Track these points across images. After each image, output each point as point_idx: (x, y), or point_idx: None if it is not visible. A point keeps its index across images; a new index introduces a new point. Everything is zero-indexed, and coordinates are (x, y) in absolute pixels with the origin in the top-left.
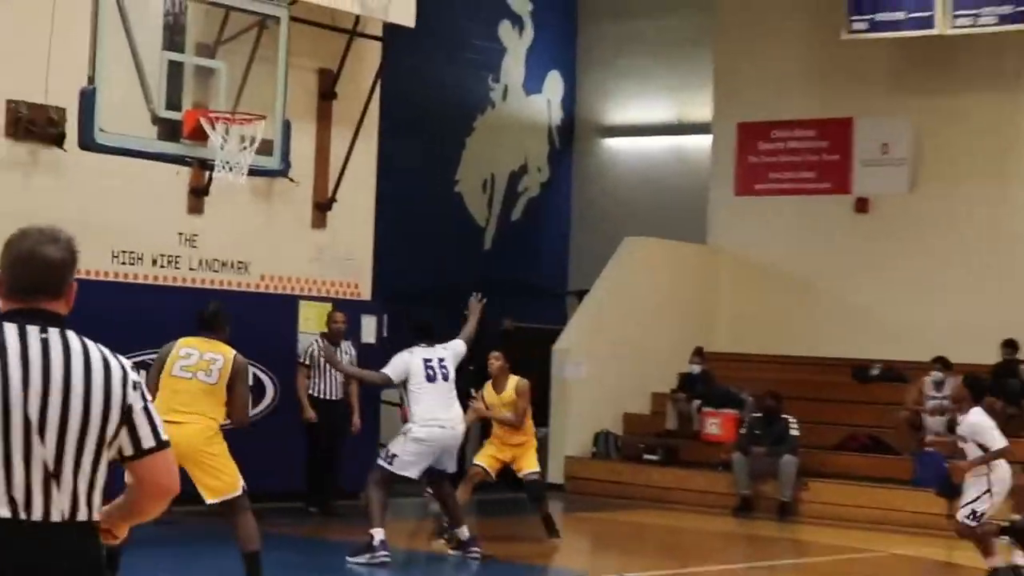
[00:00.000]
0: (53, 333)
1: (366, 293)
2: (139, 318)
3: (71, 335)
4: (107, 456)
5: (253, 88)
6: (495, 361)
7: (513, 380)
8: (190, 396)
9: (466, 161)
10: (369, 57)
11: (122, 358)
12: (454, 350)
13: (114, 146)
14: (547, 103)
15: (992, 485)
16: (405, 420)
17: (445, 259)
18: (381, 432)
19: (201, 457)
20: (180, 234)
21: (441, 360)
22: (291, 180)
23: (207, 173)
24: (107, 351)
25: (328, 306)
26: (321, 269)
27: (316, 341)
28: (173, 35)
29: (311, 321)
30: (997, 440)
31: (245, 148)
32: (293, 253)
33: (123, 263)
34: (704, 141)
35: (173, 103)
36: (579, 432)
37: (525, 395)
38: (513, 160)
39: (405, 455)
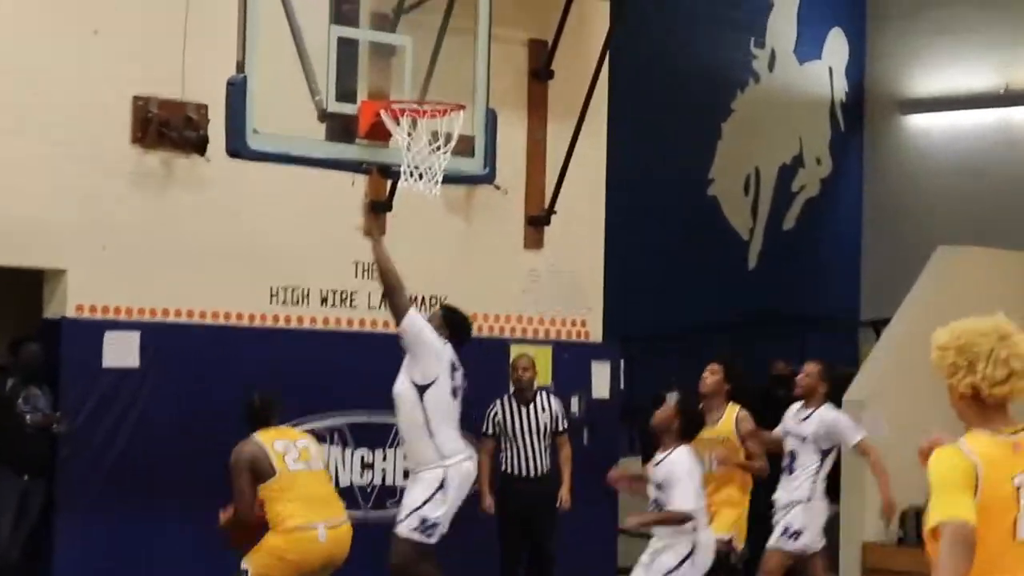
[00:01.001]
0: None
1: (596, 333)
2: (306, 372)
3: None
4: None
5: (446, 70)
6: (710, 376)
7: (733, 409)
8: (327, 490)
9: (722, 154)
10: (594, 22)
11: None
12: None
13: (271, 151)
14: (828, 72)
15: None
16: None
17: (697, 284)
18: (620, 507)
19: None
20: (356, 263)
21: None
22: (498, 188)
23: (390, 182)
24: None
25: (547, 350)
26: (538, 302)
27: (499, 401)
28: (343, 5)
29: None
30: None
31: (439, 148)
32: (502, 282)
33: (284, 302)
34: None
35: (345, 93)
36: (879, 504)
37: (753, 428)
38: (784, 150)
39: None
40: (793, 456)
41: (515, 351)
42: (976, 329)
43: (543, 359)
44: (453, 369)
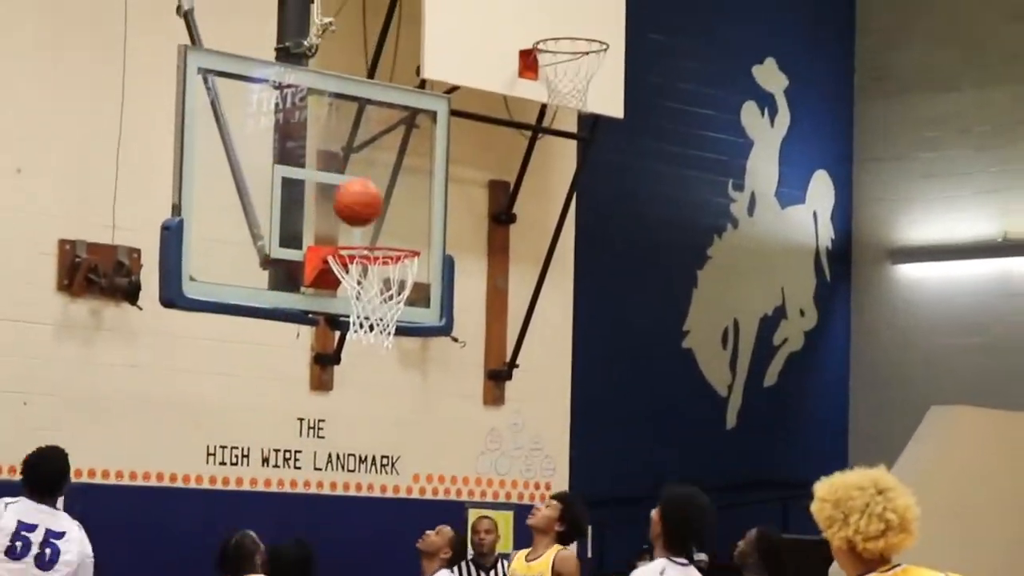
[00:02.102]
0: None
1: None
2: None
3: None
4: None
5: (400, 213)
6: (544, 510)
7: (554, 549)
8: None
9: (698, 304)
10: (560, 162)
11: None
12: None
13: (209, 300)
14: (812, 217)
15: None
16: None
17: (672, 444)
18: None
19: None
20: (301, 420)
21: None
22: (455, 340)
23: (337, 334)
24: None
25: (508, 515)
26: (498, 464)
27: (457, 569)
28: (287, 143)
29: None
30: None
31: (391, 297)
32: (459, 442)
33: (222, 462)
34: None
35: (290, 238)
36: None
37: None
38: (765, 300)
39: None
40: None
41: (473, 515)
42: (854, 483)
43: (504, 524)
44: None
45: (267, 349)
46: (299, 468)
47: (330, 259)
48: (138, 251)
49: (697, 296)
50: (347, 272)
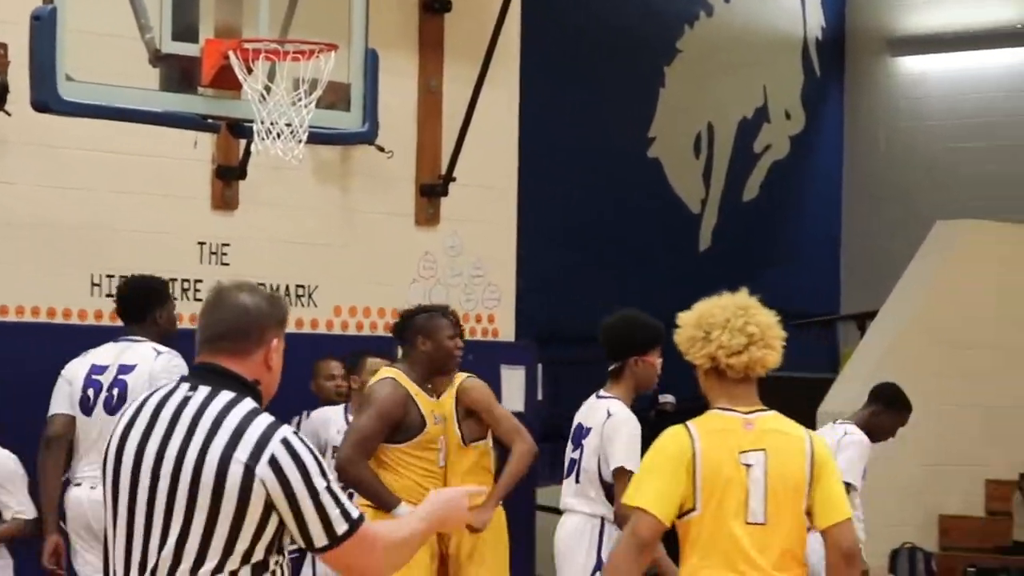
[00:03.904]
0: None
1: (507, 330)
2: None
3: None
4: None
5: (314, 0)
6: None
7: (460, 378)
8: None
9: (666, 106)
10: None
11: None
12: None
13: (90, 103)
14: (800, 2)
15: None
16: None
17: (636, 271)
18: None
19: None
20: (201, 244)
21: None
22: (381, 150)
23: (242, 143)
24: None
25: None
26: (433, 293)
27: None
28: None
29: None
30: None
31: (301, 100)
32: (387, 269)
33: (110, 294)
34: None
35: (185, 31)
36: (865, 546)
37: (489, 403)
38: (744, 101)
39: None
40: None
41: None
42: (715, 303)
43: None
44: None
45: (159, 161)
46: (200, 300)
47: (231, 54)
48: (4, 46)
49: (665, 97)
50: (251, 69)
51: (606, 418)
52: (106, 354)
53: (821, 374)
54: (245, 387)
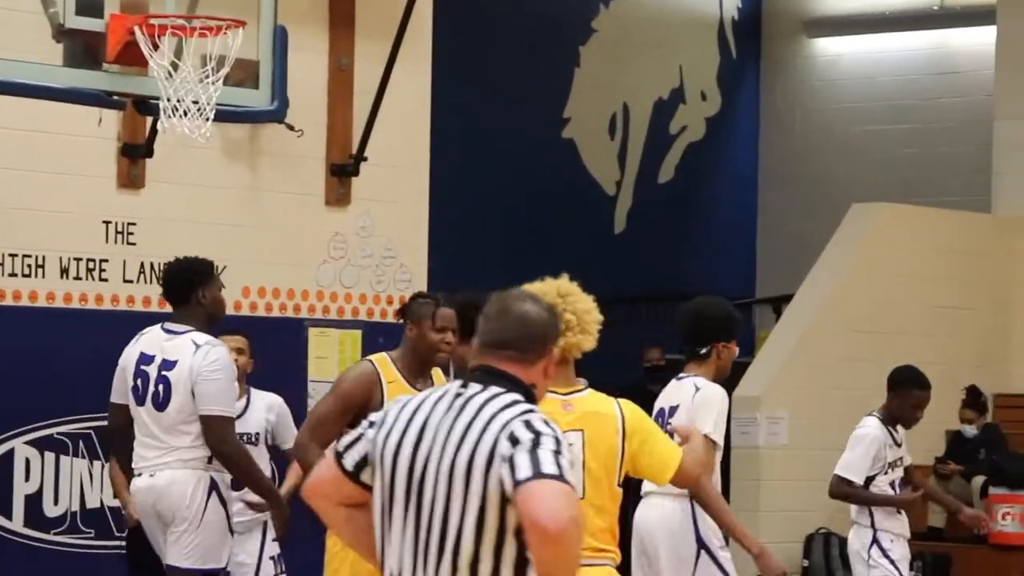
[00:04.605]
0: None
1: None
2: (43, 362)
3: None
4: None
5: None
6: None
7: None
8: None
9: (580, 86)
10: None
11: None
12: None
13: None
14: None
15: None
16: None
17: (549, 252)
18: None
19: None
20: (107, 223)
21: None
22: (291, 128)
23: (148, 121)
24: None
25: (356, 334)
26: (343, 275)
27: None
28: None
29: (329, 360)
30: None
31: (208, 77)
32: (296, 249)
33: (12, 274)
34: (983, 37)
35: (89, 5)
36: (780, 531)
37: None
38: (660, 81)
39: None
40: None
41: (315, 334)
42: (536, 288)
43: (351, 345)
44: None
45: (63, 139)
46: (105, 280)
47: (137, 29)
48: None
49: (579, 77)
50: (157, 46)
51: (695, 391)
52: (152, 343)
53: (737, 358)
54: (519, 387)
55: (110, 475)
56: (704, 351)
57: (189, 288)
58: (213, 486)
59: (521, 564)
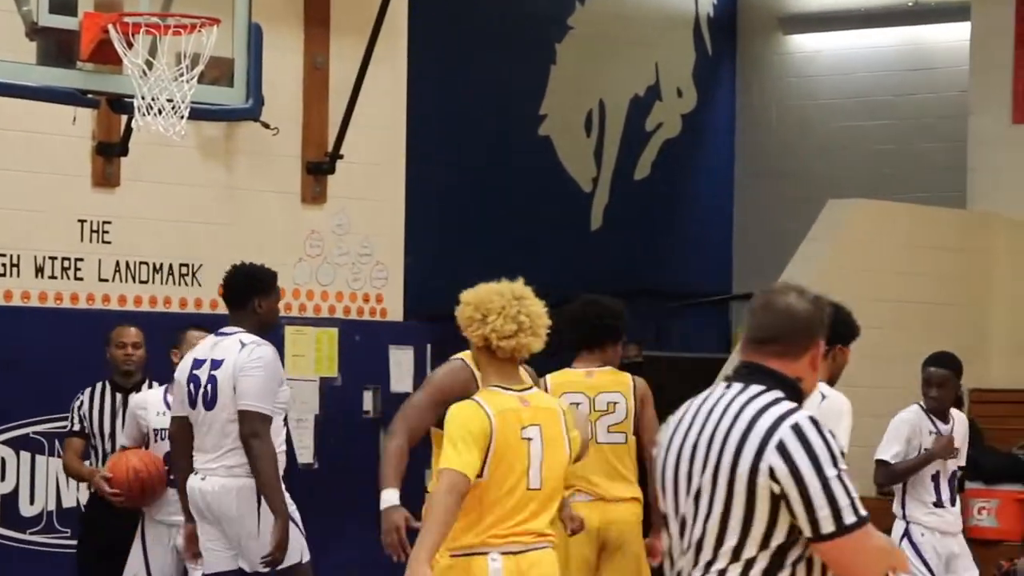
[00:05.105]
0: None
1: (395, 310)
2: (16, 361)
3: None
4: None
5: None
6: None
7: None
8: None
9: (557, 83)
10: None
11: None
12: None
13: None
14: None
15: None
16: None
17: (526, 249)
18: None
19: None
20: (82, 222)
21: None
22: (266, 126)
23: (123, 119)
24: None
25: (333, 332)
26: (319, 273)
27: (90, 390)
28: None
29: (306, 358)
30: None
31: (183, 75)
32: (272, 248)
33: None
34: (958, 33)
35: (63, 3)
36: None
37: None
38: (636, 79)
39: None
40: None
41: (291, 332)
42: (494, 289)
43: (328, 343)
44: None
45: (37, 138)
46: (80, 279)
47: (111, 27)
48: None
49: (556, 74)
50: (132, 44)
51: (820, 400)
52: (204, 348)
53: (713, 354)
54: (783, 384)
55: (64, 467)
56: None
57: (247, 295)
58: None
59: (782, 552)
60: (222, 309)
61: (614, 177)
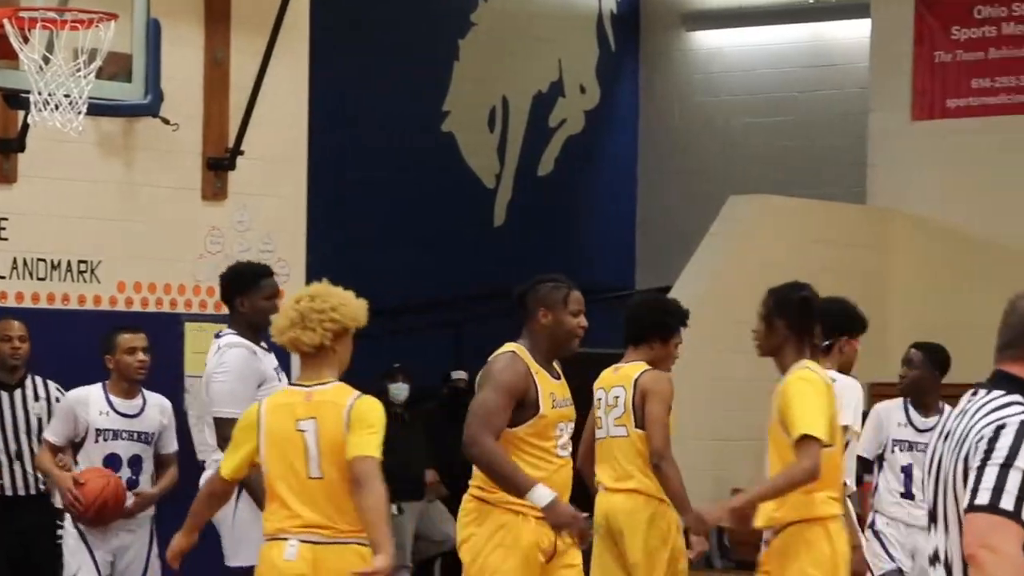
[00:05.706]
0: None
1: None
2: None
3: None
4: None
5: None
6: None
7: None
8: None
9: (460, 79)
10: None
11: None
12: None
13: None
14: None
15: None
16: None
17: (428, 245)
18: None
19: None
20: None
21: None
22: (166, 122)
23: (20, 115)
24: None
25: None
26: (221, 269)
27: None
28: None
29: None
30: None
31: (81, 70)
32: (173, 244)
33: None
34: (859, 30)
35: None
36: None
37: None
38: (539, 75)
39: None
40: None
41: (192, 329)
42: (303, 290)
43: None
44: None
45: None
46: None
47: (7, 22)
48: None
49: (459, 70)
50: (28, 39)
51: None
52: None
53: (617, 349)
54: (1021, 387)
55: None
56: (824, 344)
57: (230, 295)
58: (243, 484)
59: None
60: (121, 306)
61: (517, 173)
